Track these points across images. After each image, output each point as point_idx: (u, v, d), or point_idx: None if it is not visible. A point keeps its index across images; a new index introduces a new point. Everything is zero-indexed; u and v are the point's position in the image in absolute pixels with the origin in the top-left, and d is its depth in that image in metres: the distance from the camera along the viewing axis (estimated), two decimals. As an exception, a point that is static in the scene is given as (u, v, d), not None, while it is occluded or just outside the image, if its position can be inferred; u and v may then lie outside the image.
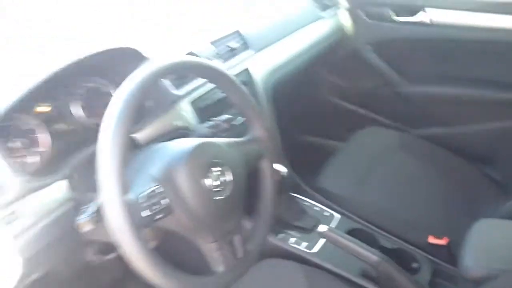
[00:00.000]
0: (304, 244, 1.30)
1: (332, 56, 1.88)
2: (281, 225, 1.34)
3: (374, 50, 1.90)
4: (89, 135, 0.98)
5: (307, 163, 1.57)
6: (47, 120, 1.03)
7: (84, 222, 0.83)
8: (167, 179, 0.83)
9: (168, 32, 1.46)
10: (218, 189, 0.88)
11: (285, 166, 1.27)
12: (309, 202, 1.45)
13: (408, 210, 1.45)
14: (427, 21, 1.78)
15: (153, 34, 1.42)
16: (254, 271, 1.07)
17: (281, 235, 1.32)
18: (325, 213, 1.42)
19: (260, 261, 1.15)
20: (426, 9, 1.78)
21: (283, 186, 1.28)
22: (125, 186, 0.76)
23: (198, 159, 0.87)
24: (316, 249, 1.29)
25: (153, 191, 0.80)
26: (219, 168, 0.89)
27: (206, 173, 0.86)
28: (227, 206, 0.90)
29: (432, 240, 1.34)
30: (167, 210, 0.81)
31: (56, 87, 1.03)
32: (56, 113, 1.06)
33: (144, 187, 0.80)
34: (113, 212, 0.73)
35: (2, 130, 0.92)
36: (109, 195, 0.74)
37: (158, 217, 0.80)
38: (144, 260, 0.75)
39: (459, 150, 1.70)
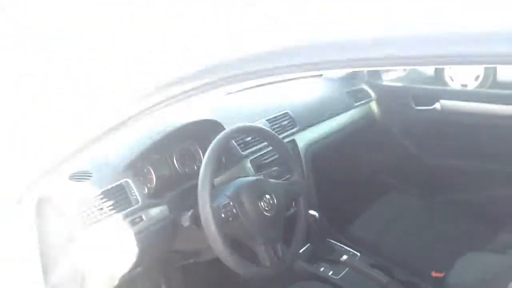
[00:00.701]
0: (331, 271, 1.71)
1: (364, 136, 2.35)
2: (315, 258, 1.77)
3: (398, 131, 2.37)
4: (181, 178, 1.51)
5: (337, 214, 2.00)
6: (156, 167, 1.56)
7: (185, 218, 1.32)
8: (236, 197, 1.31)
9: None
10: (267, 208, 1.35)
11: (318, 212, 1.72)
12: (337, 244, 1.87)
13: (415, 250, 1.83)
14: (439, 108, 2.25)
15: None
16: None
17: (315, 265, 1.74)
18: (350, 252, 1.84)
19: (297, 283, 1.57)
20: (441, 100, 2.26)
21: (317, 227, 1.72)
22: (212, 199, 1.26)
23: (256, 187, 1.36)
24: (340, 275, 1.69)
25: (227, 203, 1.29)
26: (268, 196, 1.37)
27: (260, 197, 1.34)
28: (272, 221, 1.36)
29: (434, 274, 1.70)
30: (235, 216, 1.29)
31: (162, 146, 1.57)
32: (161, 163, 1.59)
33: (223, 201, 1.29)
34: (204, 211, 1.22)
35: (136, 169, 1.46)
36: (203, 202, 1.23)
37: (229, 219, 1.28)
38: (221, 244, 1.21)
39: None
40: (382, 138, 2.38)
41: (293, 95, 2.16)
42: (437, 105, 2.26)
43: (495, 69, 4.07)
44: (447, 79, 4.46)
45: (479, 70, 4.25)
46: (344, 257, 1.71)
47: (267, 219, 1.34)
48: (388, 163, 2.36)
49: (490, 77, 4.24)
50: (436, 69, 4.28)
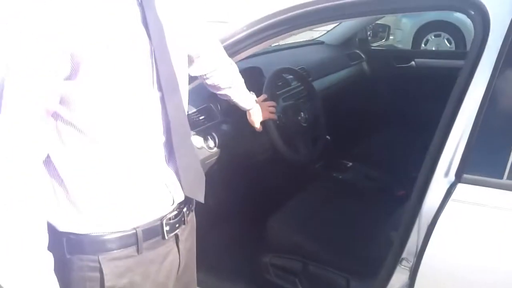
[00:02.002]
0: (340, 175, 2.45)
1: (357, 87, 3.06)
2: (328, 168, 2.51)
3: (383, 84, 3.11)
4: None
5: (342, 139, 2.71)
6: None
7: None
8: (284, 113, 2.02)
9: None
10: (302, 121, 2.06)
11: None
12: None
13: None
14: (415, 65, 2.99)
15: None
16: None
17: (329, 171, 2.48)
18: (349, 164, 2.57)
19: (317, 182, 2.28)
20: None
21: (328, 147, 2.45)
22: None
23: (295, 108, 2.06)
24: (345, 176, 2.43)
25: (279, 116, 2.00)
26: (303, 114, 2.08)
27: (298, 113, 2.05)
28: (306, 129, 2.08)
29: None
30: (284, 125, 2.01)
31: None
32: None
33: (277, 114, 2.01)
34: (268, 122, 1.93)
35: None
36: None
37: (282, 126, 1.99)
38: (280, 141, 1.91)
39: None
40: (370, 89, 3.12)
41: (306, 55, 2.87)
42: (412, 63, 3.01)
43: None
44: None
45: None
46: (349, 164, 2.45)
47: (303, 127, 2.06)
48: (375, 107, 3.09)
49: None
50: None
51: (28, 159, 0.89)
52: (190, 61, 1.25)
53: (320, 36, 3.19)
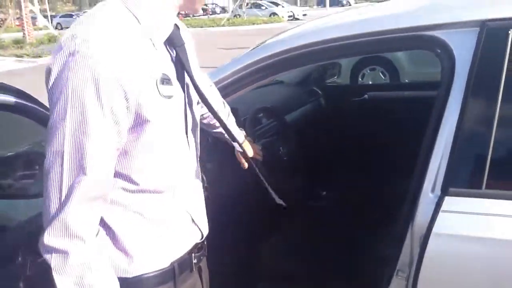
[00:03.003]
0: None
1: (317, 120, 3.27)
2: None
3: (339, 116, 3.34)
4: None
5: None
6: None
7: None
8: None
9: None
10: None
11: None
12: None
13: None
14: (367, 98, 3.26)
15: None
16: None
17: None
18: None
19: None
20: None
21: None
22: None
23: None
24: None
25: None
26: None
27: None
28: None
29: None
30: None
31: None
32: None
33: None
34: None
35: None
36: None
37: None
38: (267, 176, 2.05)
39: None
40: (328, 122, 3.33)
41: (268, 95, 3.05)
42: (365, 96, 3.28)
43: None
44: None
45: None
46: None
47: (284, 161, 2.20)
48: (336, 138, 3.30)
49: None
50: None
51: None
52: None
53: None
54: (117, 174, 1.02)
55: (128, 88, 0.94)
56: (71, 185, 0.92)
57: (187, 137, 1.14)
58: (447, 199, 1.33)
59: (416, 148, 1.47)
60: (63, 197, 0.93)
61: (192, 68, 1.15)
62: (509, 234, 1.27)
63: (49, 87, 0.94)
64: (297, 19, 31.77)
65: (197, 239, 1.22)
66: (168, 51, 1.10)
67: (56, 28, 29.82)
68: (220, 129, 1.64)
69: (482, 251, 1.30)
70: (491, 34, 1.34)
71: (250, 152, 1.78)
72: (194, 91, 1.17)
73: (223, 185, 2.03)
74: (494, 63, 1.33)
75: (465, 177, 1.35)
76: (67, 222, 0.93)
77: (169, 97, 1.04)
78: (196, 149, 1.22)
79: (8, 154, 1.55)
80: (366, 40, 1.55)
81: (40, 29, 24.05)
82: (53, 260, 0.94)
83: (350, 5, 55.21)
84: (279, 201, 1.95)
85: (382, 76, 6.68)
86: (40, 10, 28.08)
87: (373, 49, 1.61)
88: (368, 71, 6.84)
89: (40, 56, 15.56)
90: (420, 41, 1.48)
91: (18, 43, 18.01)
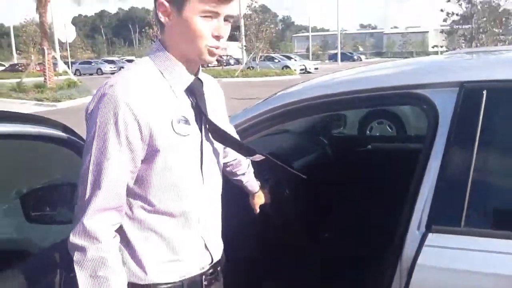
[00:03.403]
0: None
1: (322, 169, 3.48)
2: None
3: (344, 166, 3.55)
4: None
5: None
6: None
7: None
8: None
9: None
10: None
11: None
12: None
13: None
14: (371, 148, 3.47)
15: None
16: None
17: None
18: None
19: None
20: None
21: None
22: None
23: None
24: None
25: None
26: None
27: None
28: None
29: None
30: None
31: None
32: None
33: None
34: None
35: None
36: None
37: None
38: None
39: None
40: (334, 171, 3.53)
41: (275, 143, 3.27)
42: (369, 147, 3.50)
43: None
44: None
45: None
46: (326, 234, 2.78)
47: (292, 202, 2.39)
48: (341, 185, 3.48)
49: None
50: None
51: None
52: None
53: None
54: (137, 195, 1.27)
55: (143, 123, 1.20)
56: (89, 197, 1.19)
57: (201, 171, 1.34)
58: (430, 235, 1.52)
59: (407, 192, 1.67)
60: (84, 206, 1.20)
61: (216, 114, 1.39)
62: (484, 267, 1.44)
63: (86, 119, 1.24)
64: (309, 72, 32.73)
65: (207, 263, 1.39)
66: (189, 98, 1.33)
67: (75, 74, 30.83)
68: (240, 177, 1.84)
69: (459, 282, 1.47)
70: (468, 94, 1.57)
71: (258, 203, 1.95)
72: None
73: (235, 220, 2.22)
74: (471, 118, 1.54)
75: (446, 216, 1.54)
76: (86, 226, 1.18)
77: (185, 135, 1.27)
78: (215, 182, 1.41)
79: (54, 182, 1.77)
80: (364, 95, 1.78)
81: (60, 74, 24.77)
82: (75, 255, 1.19)
83: (361, 60, 56.49)
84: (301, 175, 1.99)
85: (389, 129, 6.94)
86: (60, 56, 29.23)
87: (368, 104, 1.84)
88: (376, 124, 7.11)
89: (59, 101, 16.11)
90: (409, 98, 1.71)
91: (39, 87, 18.52)
